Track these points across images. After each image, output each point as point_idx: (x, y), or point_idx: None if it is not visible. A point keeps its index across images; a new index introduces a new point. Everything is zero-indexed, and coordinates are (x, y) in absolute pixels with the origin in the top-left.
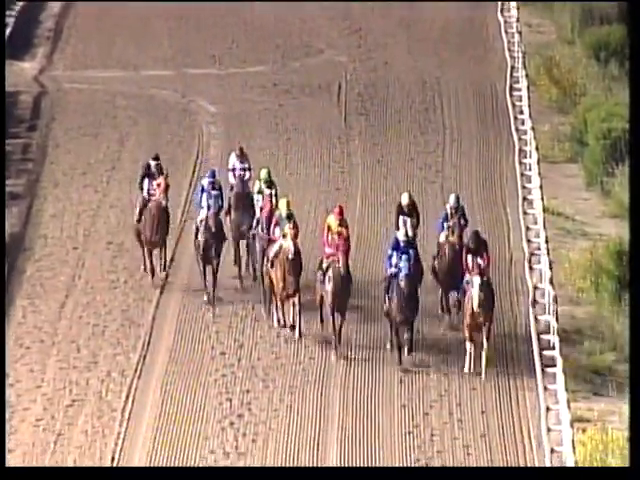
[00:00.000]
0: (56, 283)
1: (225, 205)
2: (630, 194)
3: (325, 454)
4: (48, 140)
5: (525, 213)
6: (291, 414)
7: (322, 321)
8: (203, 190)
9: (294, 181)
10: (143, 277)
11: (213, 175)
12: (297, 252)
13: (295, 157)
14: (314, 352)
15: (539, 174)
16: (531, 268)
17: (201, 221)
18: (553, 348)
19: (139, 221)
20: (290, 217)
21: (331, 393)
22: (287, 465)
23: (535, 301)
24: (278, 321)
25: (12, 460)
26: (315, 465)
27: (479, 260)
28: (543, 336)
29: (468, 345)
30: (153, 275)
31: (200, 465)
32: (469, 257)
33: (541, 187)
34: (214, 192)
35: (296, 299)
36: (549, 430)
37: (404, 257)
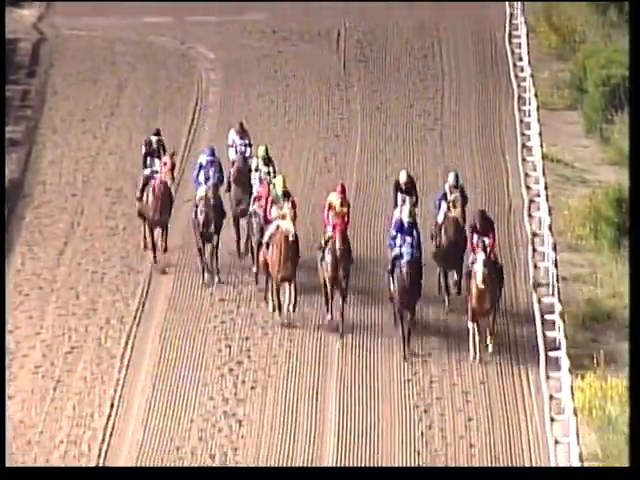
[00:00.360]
0: (55, 230)
1: (225, 181)
2: (629, 141)
3: (324, 401)
4: (47, 87)
5: (524, 160)
6: (290, 361)
7: (327, 302)
8: (201, 167)
9: (293, 128)
10: (142, 224)
11: (212, 153)
12: (296, 235)
13: (294, 104)
14: (313, 299)
15: (538, 121)
16: (530, 215)
17: (200, 198)
18: (552, 295)
19: (140, 199)
20: (286, 195)
21: (330, 340)
22: (286, 411)
23: (534, 248)
24: (273, 308)
25: (12, 407)
26: (314, 414)
27: (485, 240)
28: (542, 283)
29: (471, 327)
30: (155, 252)
31: (200, 412)
32: (474, 237)
33: (540, 134)
34: (212, 168)
35: (292, 284)
36: (548, 377)
37: (407, 241)
